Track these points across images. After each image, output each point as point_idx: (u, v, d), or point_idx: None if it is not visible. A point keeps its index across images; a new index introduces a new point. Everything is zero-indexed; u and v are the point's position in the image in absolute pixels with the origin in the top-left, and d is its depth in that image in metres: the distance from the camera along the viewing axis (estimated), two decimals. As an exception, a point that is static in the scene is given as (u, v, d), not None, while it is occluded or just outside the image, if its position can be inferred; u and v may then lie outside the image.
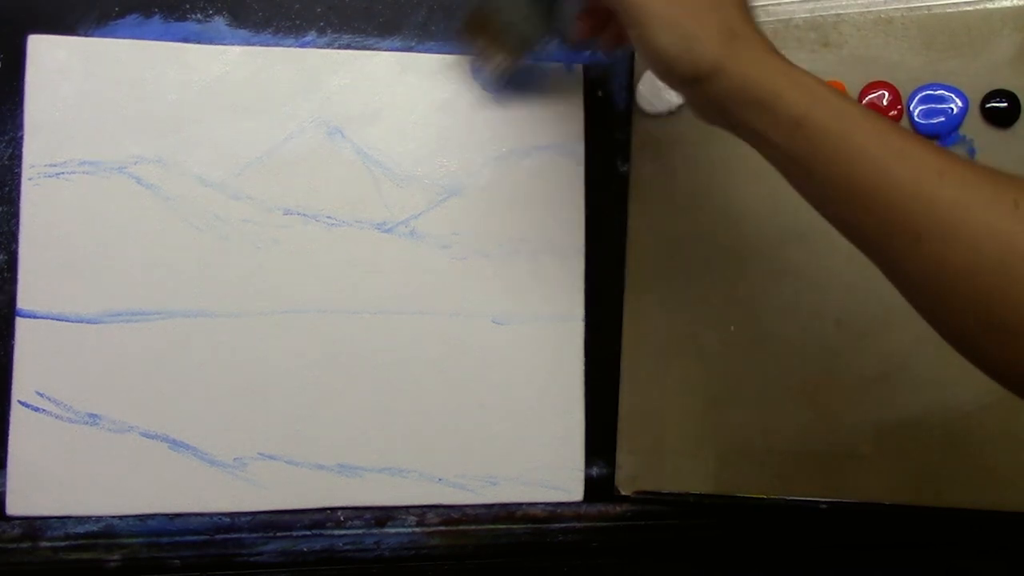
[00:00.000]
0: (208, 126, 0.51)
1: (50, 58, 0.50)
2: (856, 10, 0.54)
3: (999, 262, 0.32)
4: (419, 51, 0.54)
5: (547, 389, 0.54)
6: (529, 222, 0.54)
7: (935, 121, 0.53)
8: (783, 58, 0.38)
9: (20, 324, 0.49)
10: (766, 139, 0.38)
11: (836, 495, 0.53)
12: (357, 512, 0.52)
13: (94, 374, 0.50)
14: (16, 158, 0.50)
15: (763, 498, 0.53)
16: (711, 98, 0.39)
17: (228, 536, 0.51)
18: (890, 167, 0.34)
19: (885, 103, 0.53)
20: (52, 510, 0.50)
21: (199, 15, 0.52)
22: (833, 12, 0.54)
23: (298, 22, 0.53)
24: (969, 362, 0.35)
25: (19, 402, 0.49)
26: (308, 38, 0.53)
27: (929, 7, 0.54)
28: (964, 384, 0.52)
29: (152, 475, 0.50)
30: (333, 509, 0.52)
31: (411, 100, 0.54)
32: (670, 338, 0.54)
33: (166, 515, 0.51)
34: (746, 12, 0.39)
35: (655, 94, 0.54)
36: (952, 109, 0.53)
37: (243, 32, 0.52)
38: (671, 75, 0.39)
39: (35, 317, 0.50)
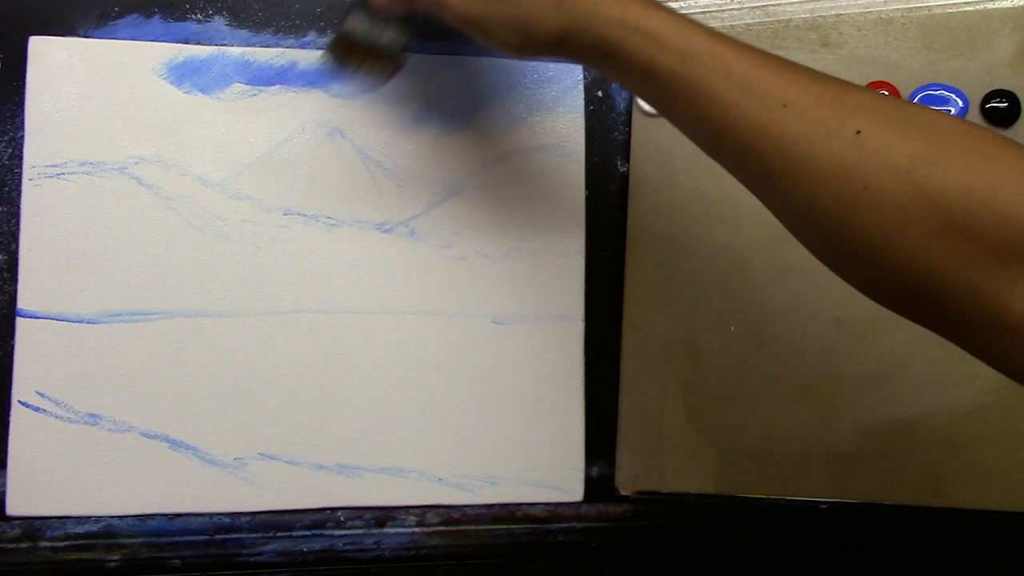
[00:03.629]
0: (208, 126, 0.51)
1: (51, 59, 0.50)
2: (856, 10, 0.54)
3: (841, 193, 0.32)
4: (419, 51, 0.54)
5: (547, 389, 0.54)
6: (529, 222, 0.54)
7: (935, 121, 0.53)
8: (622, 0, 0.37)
9: (20, 324, 0.49)
10: (626, 87, 0.38)
11: (836, 495, 0.53)
12: (357, 512, 0.52)
13: (94, 374, 0.50)
14: (16, 158, 0.50)
15: (763, 498, 0.53)
16: (572, 59, 0.39)
17: (228, 536, 0.51)
18: (736, 104, 0.34)
19: (885, 103, 0.53)
20: (52, 510, 0.50)
21: (199, 15, 0.52)
22: (833, 12, 0.54)
23: (298, 22, 0.53)
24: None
25: (19, 402, 0.49)
26: (308, 38, 0.53)
27: (929, 7, 0.54)
28: (964, 384, 0.52)
29: (152, 475, 0.50)
30: (333, 509, 0.52)
31: (411, 100, 0.54)
32: (670, 338, 0.54)
33: (166, 515, 0.51)
34: None
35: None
36: (952, 109, 0.53)
37: (243, 32, 0.52)
38: (525, 57, 0.41)
39: (35, 317, 0.50)
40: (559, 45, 0.38)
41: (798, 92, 0.34)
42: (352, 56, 0.49)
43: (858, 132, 0.32)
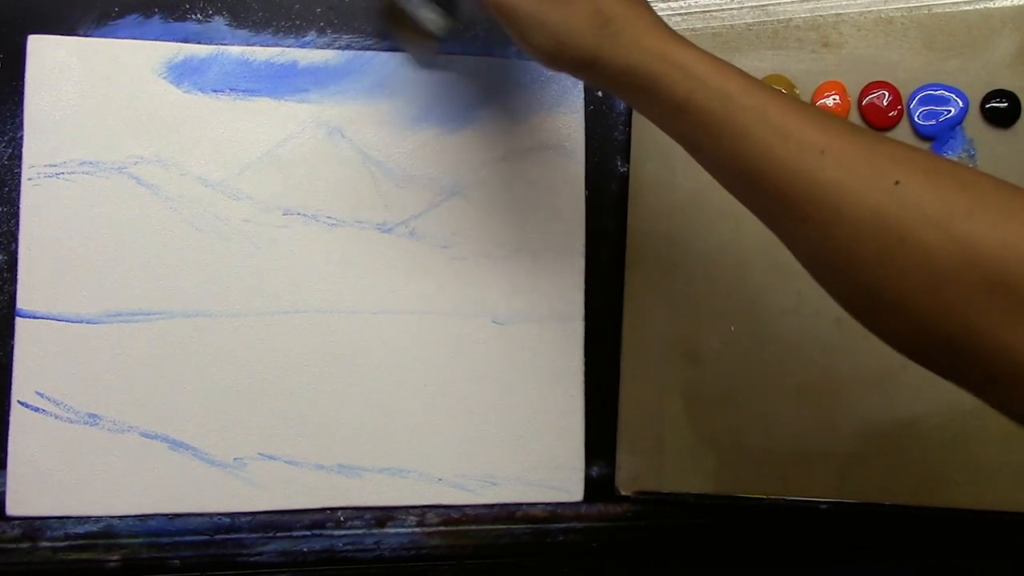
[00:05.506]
0: (208, 126, 0.51)
1: (50, 58, 0.50)
2: (856, 10, 0.54)
3: (878, 243, 0.32)
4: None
5: (547, 389, 0.54)
6: (529, 222, 0.54)
7: (935, 121, 0.53)
8: (665, 34, 0.37)
9: (20, 324, 0.49)
10: (653, 120, 0.38)
11: (836, 495, 0.53)
12: (357, 512, 0.52)
13: (94, 374, 0.50)
14: (16, 158, 0.50)
15: (763, 498, 0.53)
16: (597, 83, 0.39)
17: (228, 536, 0.51)
18: (772, 149, 0.34)
19: (885, 103, 0.53)
20: (52, 510, 0.50)
21: (199, 15, 0.52)
22: (833, 12, 0.54)
23: (298, 22, 0.53)
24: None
25: (19, 402, 0.49)
26: (308, 38, 0.53)
27: (929, 7, 0.54)
28: (964, 384, 0.52)
29: (152, 475, 0.50)
30: (333, 509, 0.52)
31: (411, 100, 0.53)
32: (670, 338, 0.54)
33: (166, 515, 0.51)
34: None
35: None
36: (952, 109, 0.53)
37: (243, 32, 0.52)
38: (554, 67, 0.40)
39: (35, 317, 0.50)
40: (591, 67, 0.38)
41: (834, 139, 0.34)
42: (400, 27, 0.51)
43: (897, 183, 0.32)
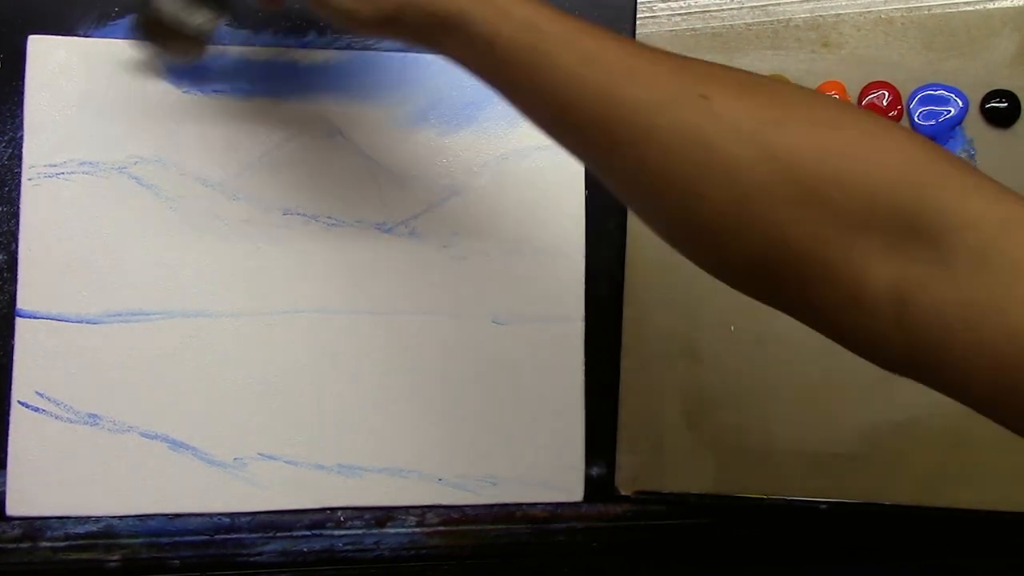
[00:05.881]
0: (208, 126, 0.51)
1: (50, 58, 0.50)
2: (856, 10, 0.54)
3: (688, 159, 0.31)
4: (419, 51, 0.54)
5: (547, 389, 0.54)
6: (529, 222, 0.54)
7: (935, 121, 0.53)
8: None
9: (20, 324, 0.49)
10: (466, 64, 0.37)
11: (836, 495, 0.53)
12: (357, 512, 0.52)
13: (94, 374, 0.50)
14: (16, 158, 0.50)
15: (763, 498, 0.53)
16: (404, 35, 0.38)
17: (228, 536, 0.51)
18: (580, 74, 0.33)
19: (885, 103, 0.53)
20: (52, 510, 0.50)
21: (199, 15, 0.52)
22: (833, 12, 0.54)
23: (298, 22, 0.53)
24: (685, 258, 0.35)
25: (19, 402, 0.49)
26: (308, 38, 0.53)
27: (929, 7, 0.54)
28: (964, 384, 0.52)
29: (152, 475, 0.50)
30: (333, 509, 0.52)
31: (410, 100, 0.53)
32: (670, 338, 0.54)
33: (166, 515, 0.51)
34: None
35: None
36: (952, 109, 0.53)
37: (243, 32, 0.52)
38: (356, 28, 0.39)
39: (35, 317, 0.49)
40: (395, 19, 0.37)
41: (642, 61, 0.33)
42: (158, 33, 0.48)
43: (704, 96, 0.31)
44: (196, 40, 0.48)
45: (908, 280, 0.29)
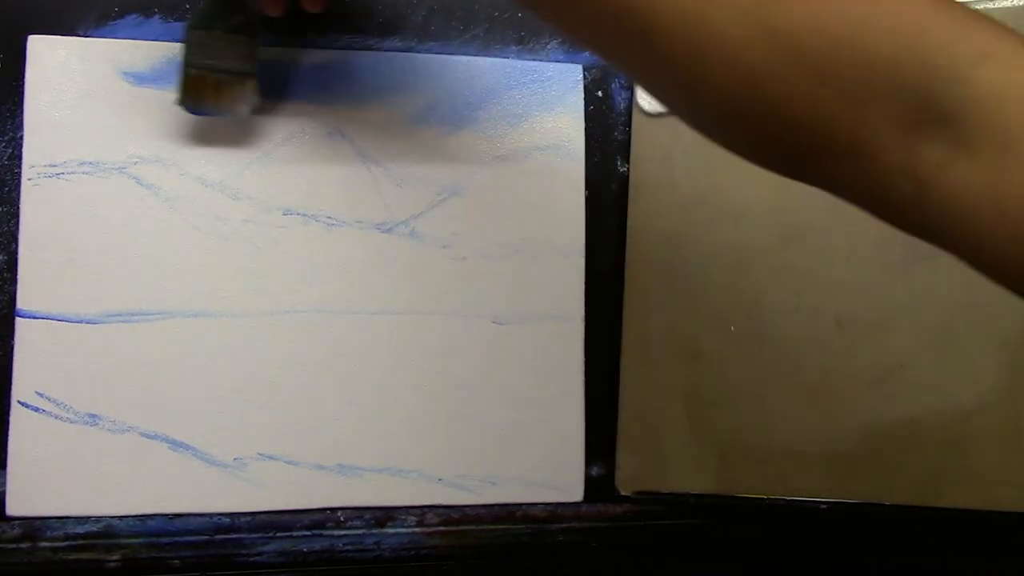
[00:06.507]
0: (208, 126, 0.51)
1: (50, 58, 0.50)
2: (856, 10, 0.54)
3: (691, 42, 0.30)
4: (419, 51, 0.54)
5: (547, 389, 0.54)
6: (529, 222, 0.54)
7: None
8: None
9: (20, 324, 0.49)
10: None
11: (836, 495, 0.53)
12: (357, 512, 0.52)
13: (94, 374, 0.50)
14: (16, 158, 0.50)
15: (763, 498, 0.53)
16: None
17: (228, 536, 0.51)
18: None
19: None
20: (52, 510, 0.50)
21: (199, 15, 0.52)
22: (833, 12, 0.54)
23: (299, 22, 0.53)
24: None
25: (19, 402, 0.49)
26: (308, 38, 0.53)
27: (929, 7, 0.54)
28: (964, 384, 0.52)
29: (152, 475, 0.50)
30: (333, 509, 0.52)
31: (410, 100, 0.54)
32: (670, 338, 0.54)
33: (166, 515, 0.51)
34: None
35: (655, 94, 0.54)
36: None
37: (243, 32, 0.52)
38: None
39: (35, 317, 0.49)
40: None
41: None
42: (206, 93, 0.48)
43: None
44: (244, 84, 0.48)
45: (927, 161, 0.28)
